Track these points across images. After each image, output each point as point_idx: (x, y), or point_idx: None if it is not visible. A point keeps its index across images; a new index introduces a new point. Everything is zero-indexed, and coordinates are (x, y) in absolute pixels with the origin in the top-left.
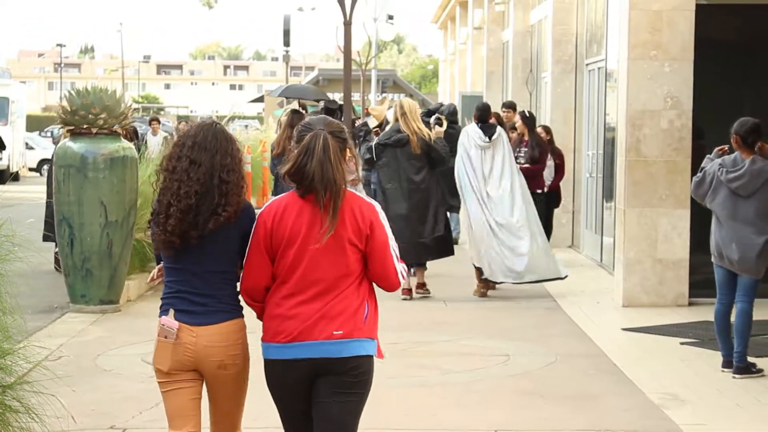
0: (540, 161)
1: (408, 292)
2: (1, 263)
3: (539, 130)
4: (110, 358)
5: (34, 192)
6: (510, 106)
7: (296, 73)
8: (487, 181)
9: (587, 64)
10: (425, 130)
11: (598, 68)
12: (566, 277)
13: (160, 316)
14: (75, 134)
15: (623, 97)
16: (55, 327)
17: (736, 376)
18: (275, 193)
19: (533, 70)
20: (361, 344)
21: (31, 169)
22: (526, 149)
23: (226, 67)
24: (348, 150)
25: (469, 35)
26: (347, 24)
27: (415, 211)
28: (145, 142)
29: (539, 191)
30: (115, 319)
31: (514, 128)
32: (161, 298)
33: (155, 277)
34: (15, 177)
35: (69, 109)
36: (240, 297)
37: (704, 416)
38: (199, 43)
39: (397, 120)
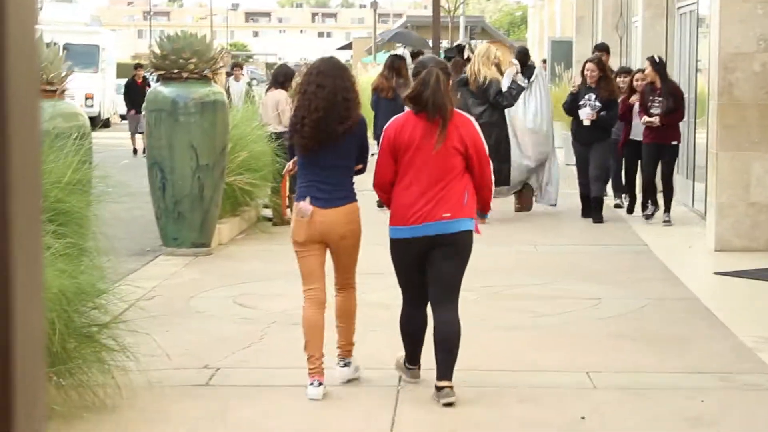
0: (676, 110)
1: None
2: (97, 205)
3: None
4: (203, 300)
5: (125, 138)
6: (603, 48)
7: (384, 20)
8: (524, 118)
9: (678, 8)
10: (488, 73)
11: (690, 12)
12: (554, 205)
13: (296, 201)
14: (166, 79)
15: (715, 40)
16: (148, 269)
17: None
18: (375, 124)
19: (623, 14)
20: (464, 222)
21: (122, 117)
22: (660, 99)
23: (314, 15)
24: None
25: None
26: None
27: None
28: (228, 89)
29: (674, 143)
30: (206, 262)
31: (625, 74)
32: (297, 187)
33: (290, 169)
34: (106, 124)
35: (159, 53)
36: (354, 186)
37: None
38: None
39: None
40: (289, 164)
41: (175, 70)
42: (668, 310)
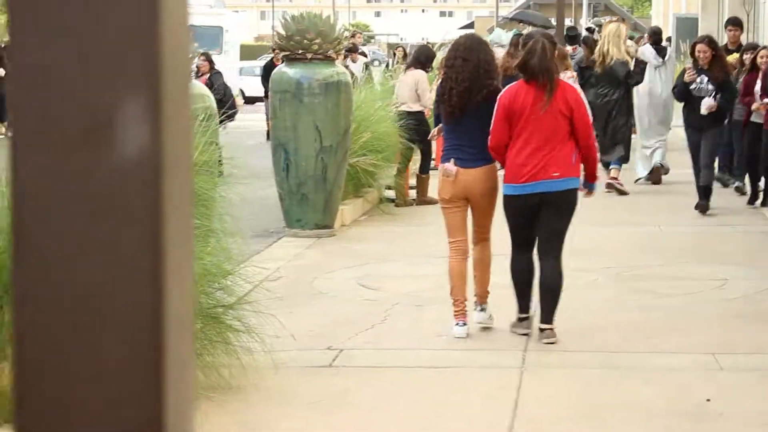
0: None
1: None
2: (223, 186)
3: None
4: (326, 281)
5: (249, 120)
6: (736, 23)
7: None
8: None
9: None
10: (617, 53)
11: None
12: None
13: (442, 162)
14: (290, 60)
15: None
16: (272, 250)
17: None
18: None
19: None
20: (571, 181)
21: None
22: None
23: None
24: (558, 51)
25: None
26: None
27: (601, 117)
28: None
29: None
30: (330, 244)
31: (735, 51)
32: (443, 150)
33: (435, 133)
34: (231, 106)
35: (284, 34)
36: None
37: None
38: None
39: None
40: (435, 130)
41: (300, 51)
42: None
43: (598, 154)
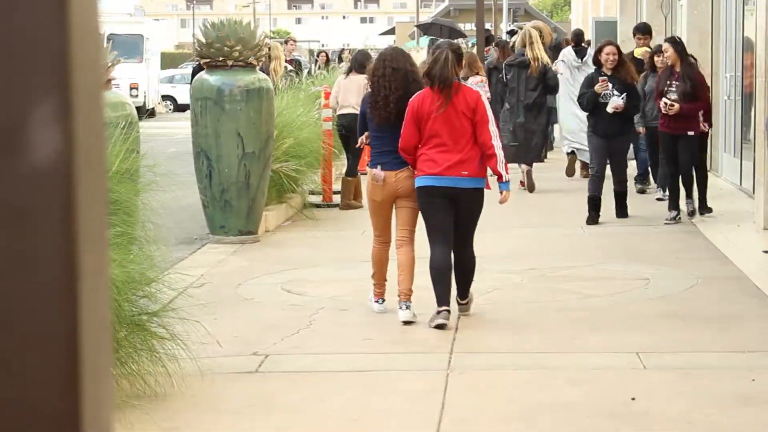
0: (696, 98)
1: (522, 184)
2: (145, 194)
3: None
4: (251, 287)
5: (171, 128)
6: (644, 30)
7: (427, 5)
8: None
9: None
10: (545, 57)
11: None
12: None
13: (369, 167)
14: (211, 67)
15: (763, 17)
16: (196, 257)
17: None
18: None
19: None
20: (478, 180)
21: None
22: (677, 83)
23: (356, 0)
24: (463, 59)
25: None
26: None
27: (528, 122)
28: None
29: (690, 133)
30: (253, 250)
31: (652, 56)
32: (371, 155)
33: (364, 140)
34: (151, 113)
35: (204, 42)
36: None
37: None
38: None
39: (524, 45)
40: (362, 138)
41: (220, 58)
42: (718, 289)
43: (500, 152)
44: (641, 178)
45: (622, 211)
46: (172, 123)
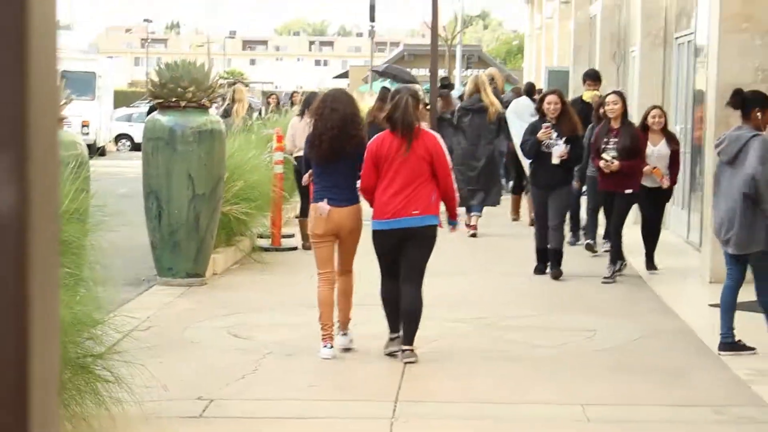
0: (637, 155)
1: (473, 227)
2: (93, 234)
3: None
4: (197, 330)
5: (122, 166)
6: (594, 77)
7: (381, 49)
8: None
9: (676, 38)
10: (498, 103)
11: (688, 42)
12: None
13: (314, 202)
14: (164, 107)
15: (714, 70)
16: (143, 299)
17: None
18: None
19: (621, 44)
20: (430, 218)
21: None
22: (615, 139)
23: (311, 43)
24: (420, 103)
25: (556, 9)
26: None
27: (485, 166)
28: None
29: (628, 191)
30: (201, 292)
31: (600, 105)
32: (315, 191)
33: (307, 179)
34: (102, 152)
35: (158, 82)
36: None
37: None
38: (284, 19)
39: (478, 91)
40: (307, 175)
41: (173, 99)
42: (663, 342)
43: (457, 194)
44: (575, 231)
45: (555, 269)
46: (123, 162)
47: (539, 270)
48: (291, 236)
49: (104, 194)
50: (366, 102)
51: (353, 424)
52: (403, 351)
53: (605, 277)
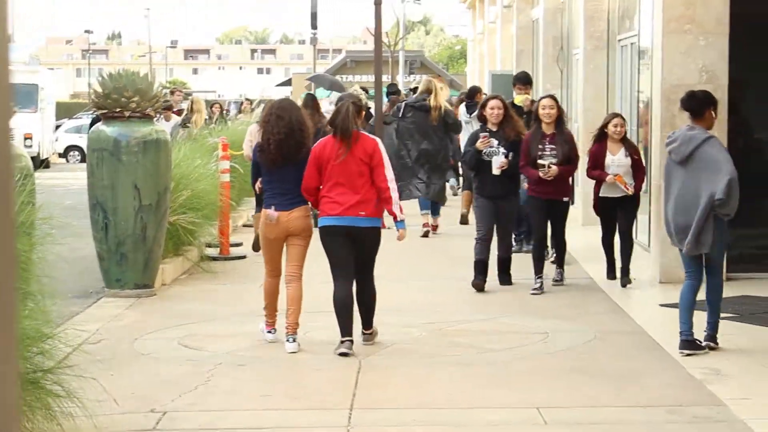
0: (572, 161)
1: (427, 225)
2: (40, 247)
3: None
4: (147, 342)
5: (66, 178)
6: (524, 80)
7: (323, 56)
8: None
9: (619, 40)
10: (445, 105)
11: (631, 44)
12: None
13: (265, 207)
14: (108, 118)
15: (658, 72)
16: (91, 312)
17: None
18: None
19: (564, 47)
20: (375, 220)
21: (59, 155)
22: (552, 147)
23: (253, 51)
24: (362, 110)
25: (499, 14)
26: (377, 3)
27: (428, 162)
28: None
29: (565, 199)
30: (150, 303)
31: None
32: (264, 198)
33: (258, 188)
34: (46, 164)
35: (102, 92)
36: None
37: (748, 391)
38: (225, 28)
39: (429, 92)
40: (258, 184)
41: (117, 109)
42: (616, 344)
43: (395, 194)
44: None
45: (505, 277)
46: (68, 173)
47: (479, 285)
48: (239, 245)
49: (50, 207)
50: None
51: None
52: (363, 334)
53: (555, 280)
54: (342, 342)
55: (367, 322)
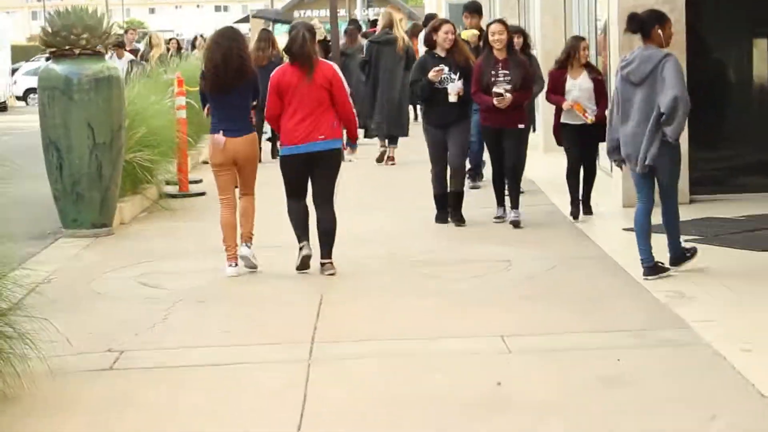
0: (527, 87)
1: (384, 157)
2: None
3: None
4: (105, 281)
5: (24, 121)
6: (472, 8)
7: None
8: None
9: None
10: (406, 38)
11: None
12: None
13: (211, 133)
14: (57, 56)
15: None
16: (48, 252)
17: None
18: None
19: None
20: (334, 142)
21: (18, 98)
22: (505, 71)
23: None
24: (316, 37)
25: None
26: None
27: (393, 96)
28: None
29: (521, 126)
30: (108, 243)
31: (485, 39)
32: (211, 123)
33: (207, 112)
34: (3, 107)
35: (50, 30)
36: (253, 119)
37: (712, 312)
38: None
39: (390, 26)
40: (205, 109)
41: (67, 47)
42: (580, 269)
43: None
44: (473, 173)
45: (457, 214)
46: (28, 116)
47: (441, 218)
48: (199, 181)
49: (6, 149)
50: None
51: (269, 369)
52: (323, 265)
53: (511, 222)
54: (300, 248)
55: (327, 252)
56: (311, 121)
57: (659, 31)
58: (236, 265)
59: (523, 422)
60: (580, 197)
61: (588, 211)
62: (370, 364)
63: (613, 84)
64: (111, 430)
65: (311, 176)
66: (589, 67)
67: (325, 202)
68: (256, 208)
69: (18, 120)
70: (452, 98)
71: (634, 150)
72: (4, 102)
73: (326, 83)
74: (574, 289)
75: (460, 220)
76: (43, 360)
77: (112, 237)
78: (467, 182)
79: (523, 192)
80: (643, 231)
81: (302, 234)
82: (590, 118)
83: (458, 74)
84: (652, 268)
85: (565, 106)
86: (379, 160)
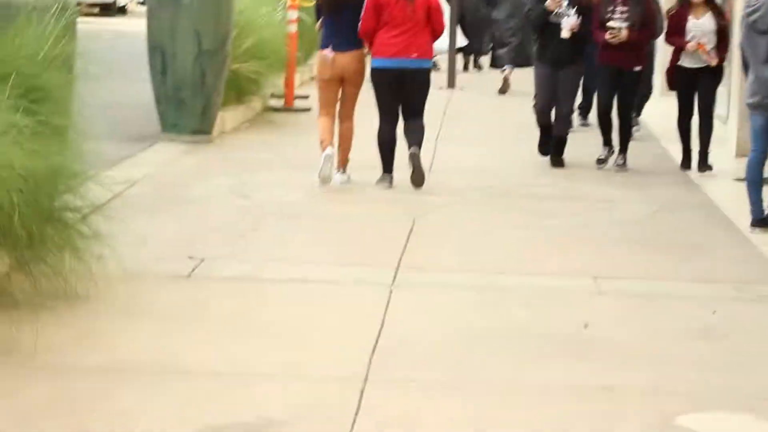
0: (647, 26)
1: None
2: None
3: None
4: (198, 188)
5: (141, 26)
6: None
7: None
8: None
9: None
10: None
11: None
12: None
13: (321, 48)
14: None
15: None
16: (145, 155)
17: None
18: None
19: None
20: (426, 62)
21: (140, 3)
22: (625, 8)
23: None
24: None
25: None
26: None
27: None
28: None
29: (637, 68)
30: (206, 150)
31: None
32: (322, 38)
33: (319, 26)
34: (122, 10)
35: None
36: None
37: None
38: None
39: None
40: (318, 23)
41: None
42: (683, 216)
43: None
44: (584, 112)
45: (557, 159)
46: (143, 21)
47: (543, 149)
48: (306, 97)
49: (117, 53)
50: None
51: (350, 289)
52: (410, 148)
53: (617, 165)
54: (383, 177)
55: (418, 143)
56: (406, 39)
57: None
58: (333, 145)
59: (604, 367)
60: (698, 150)
61: (705, 166)
62: (453, 295)
63: (735, 27)
64: (180, 338)
65: (402, 94)
66: (713, 6)
67: (416, 116)
68: (356, 127)
69: (135, 24)
70: (565, 33)
71: (761, 96)
72: (125, 5)
73: (426, 4)
74: (675, 235)
75: (559, 164)
76: (120, 262)
77: (211, 145)
78: (577, 119)
79: (636, 131)
80: (755, 182)
81: (387, 164)
82: (714, 60)
83: (575, 9)
84: (761, 220)
85: (689, 47)
86: (502, 91)
